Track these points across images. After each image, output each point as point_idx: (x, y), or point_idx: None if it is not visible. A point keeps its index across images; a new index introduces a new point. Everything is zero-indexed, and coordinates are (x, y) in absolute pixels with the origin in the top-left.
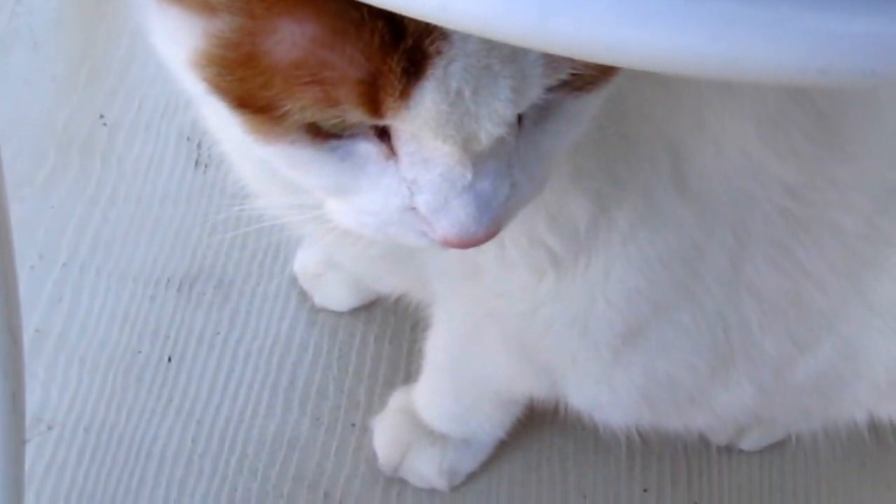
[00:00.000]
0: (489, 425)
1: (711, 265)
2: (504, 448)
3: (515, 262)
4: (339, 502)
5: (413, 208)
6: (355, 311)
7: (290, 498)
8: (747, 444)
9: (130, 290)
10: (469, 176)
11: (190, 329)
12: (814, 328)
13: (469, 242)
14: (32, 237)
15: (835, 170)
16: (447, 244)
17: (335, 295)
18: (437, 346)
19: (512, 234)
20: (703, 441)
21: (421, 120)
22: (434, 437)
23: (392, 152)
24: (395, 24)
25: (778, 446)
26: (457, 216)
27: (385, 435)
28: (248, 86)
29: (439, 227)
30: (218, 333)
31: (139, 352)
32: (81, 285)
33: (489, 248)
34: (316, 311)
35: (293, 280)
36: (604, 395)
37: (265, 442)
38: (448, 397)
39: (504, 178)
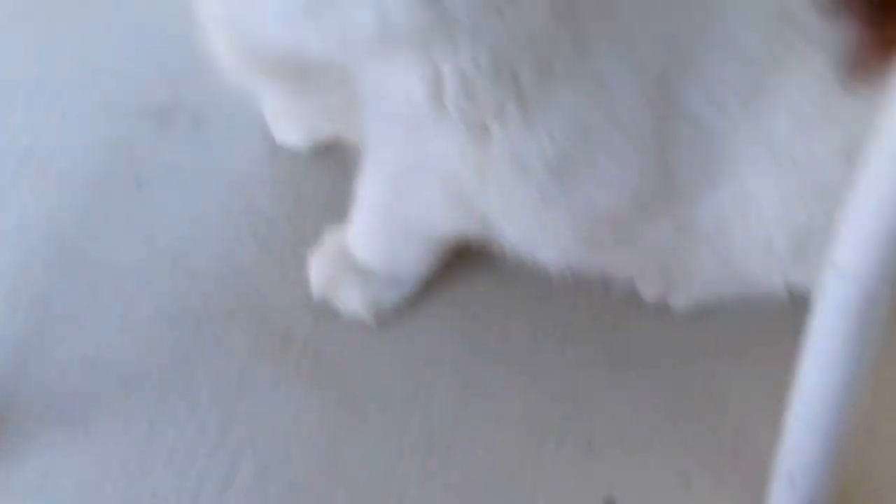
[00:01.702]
0: (414, 263)
1: (642, 83)
2: (431, 285)
3: (483, 107)
4: (273, 324)
5: None
6: (316, 151)
7: (229, 317)
8: (677, 301)
9: (113, 118)
10: None
11: (161, 157)
12: (720, 160)
13: None
14: (30, 66)
15: None
16: None
17: (291, 132)
18: (369, 188)
19: (495, 73)
20: (635, 295)
21: None
22: (362, 271)
23: None
24: None
25: (707, 310)
26: None
27: (318, 266)
28: None
29: None
30: (186, 163)
31: (112, 175)
32: (69, 111)
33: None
34: (279, 148)
35: (262, 118)
36: (535, 231)
37: (214, 265)
38: (376, 235)
39: None
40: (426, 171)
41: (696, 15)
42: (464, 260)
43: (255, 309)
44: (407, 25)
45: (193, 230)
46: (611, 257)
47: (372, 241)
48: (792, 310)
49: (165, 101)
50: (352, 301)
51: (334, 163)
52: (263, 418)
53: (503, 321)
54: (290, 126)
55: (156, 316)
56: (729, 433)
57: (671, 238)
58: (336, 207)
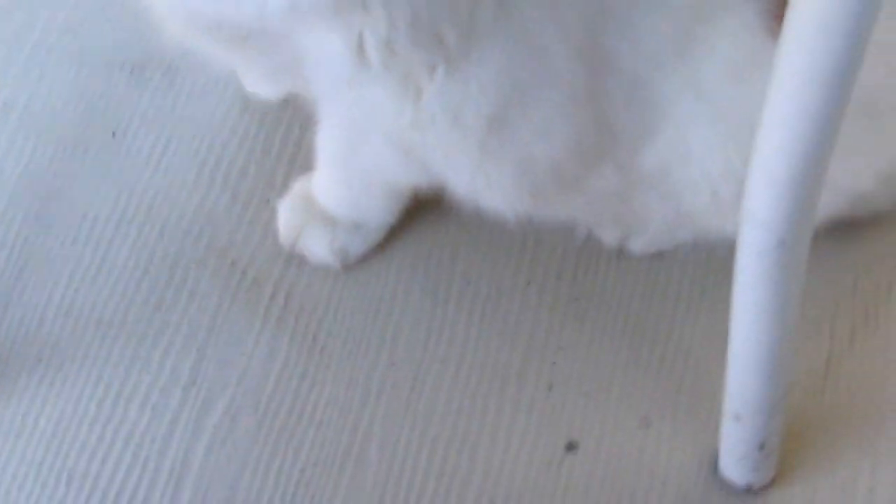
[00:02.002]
0: (378, 211)
1: (570, 40)
2: (397, 233)
3: (409, 63)
4: (243, 270)
5: None
6: (286, 102)
7: (200, 263)
8: (636, 246)
9: (89, 70)
10: None
11: (136, 109)
12: (656, 110)
13: None
14: (8, 22)
15: None
16: None
17: (261, 84)
18: (325, 141)
19: (413, 33)
20: (596, 242)
21: None
22: (327, 219)
23: None
24: None
25: (667, 254)
26: None
27: (285, 214)
28: None
29: None
30: (160, 114)
31: (89, 126)
32: (47, 64)
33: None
34: (250, 99)
35: (234, 71)
36: (480, 182)
37: (186, 213)
38: (339, 186)
39: None
40: (370, 124)
41: None
42: (429, 206)
43: (227, 255)
44: None
45: (167, 179)
46: (560, 206)
47: (335, 190)
48: None
49: (140, 54)
50: (319, 248)
51: (303, 113)
52: (234, 361)
53: (467, 267)
54: (260, 78)
55: (131, 262)
56: (688, 375)
57: (617, 186)
58: (304, 157)
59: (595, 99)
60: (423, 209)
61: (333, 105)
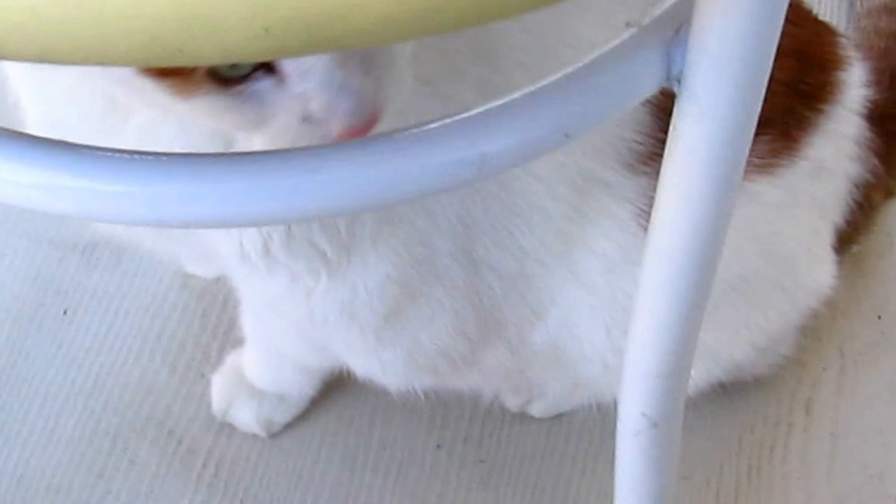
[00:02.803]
0: (299, 385)
1: (447, 249)
2: (321, 401)
3: (292, 267)
4: (179, 439)
5: (309, 117)
6: (221, 280)
7: (141, 433)
8: (536, 410)
9: (44, 251)
10: (339, 75)
11: (86, 287)
12: (542, 298)
13: (362, 125)
14: None
15: (534, 165)
16: (347, 132)
17: (198, 264)
18: (245, 321)
19: (288, 244)
20: (500, 406)
21: None
22: (255, 391)
23: (281, 79)
24: None
25: (565, 416)
26: (344, 108)
27: (218, 386)
28: None
29: (335, 120)
30: (108, 292)
31: (42, 304)
32: (5, 245)
33: (261, 259)
34: (189, 277)
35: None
36: (376, 368)
37: (129, 385)
38: (261, 362)
39: (368, 76)
40: (274, 312)
41: (497, 194)
42: (350, 375)
43: (165, 425)
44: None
45: (113, 354)
46: (458, 380)
47: (259, 366)
48: None
49: (91, 236)
50: (247, 418)
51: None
52: None
53: (384, 432)
54: (193, 261)
55: (77, 433)
56: None
57: (510, 362)
58: (237, 333)
59: (475, 294)
60: (344, 377)
61: (244, 291)
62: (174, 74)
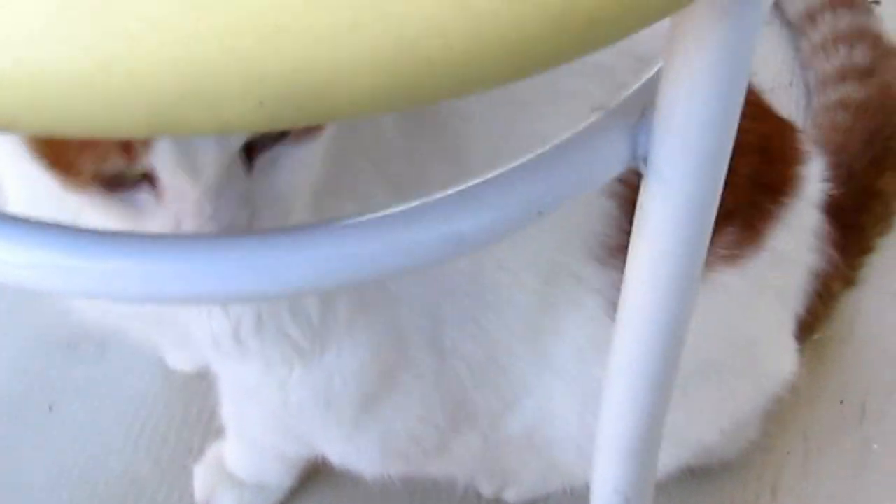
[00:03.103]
0: (277, 475)
1: (416, 339)
2: (300, 490)
3: (265, 355)
4: None
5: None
6: (203, 374)
7: None
8: (511, 496)
9: (30, 348)
10: (209, 207)
11: (70, 382)
12: (514, 387)
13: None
14: None
15: (502, 256)
16: None
17: (180, 358)
18: (224, 412)
19: (259, 331)
20: (475, 492)
21: (159, 158)
22: (234, 481)
23: (160, 194)
24: None
25: (540, 502)
26: (210, 230)
27: (200, 477)
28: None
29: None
30: (92, 386)
31: (27, 400)
32: None
33: (232, 346)
34: (171, 371)
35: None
36: (351, 454)
37: (113, 477)
38: (240, 452)
39: (242, 210)
40: (250, 401)
41: (467, 288)
42: (325, 465)
43: None
44: None
45: (97, 447)
46: (432, 467)
47: (238, 456)
48: None
49: (75, 331)
50: None
51: (215, 379)
52: None
53: None
54: (178, 354)
55: None
56: None
57: (483, 449)
58: (218, 425)
59: (443, 383)
60: (321, 467)
61: (222, 379)
62: (64, 168)
